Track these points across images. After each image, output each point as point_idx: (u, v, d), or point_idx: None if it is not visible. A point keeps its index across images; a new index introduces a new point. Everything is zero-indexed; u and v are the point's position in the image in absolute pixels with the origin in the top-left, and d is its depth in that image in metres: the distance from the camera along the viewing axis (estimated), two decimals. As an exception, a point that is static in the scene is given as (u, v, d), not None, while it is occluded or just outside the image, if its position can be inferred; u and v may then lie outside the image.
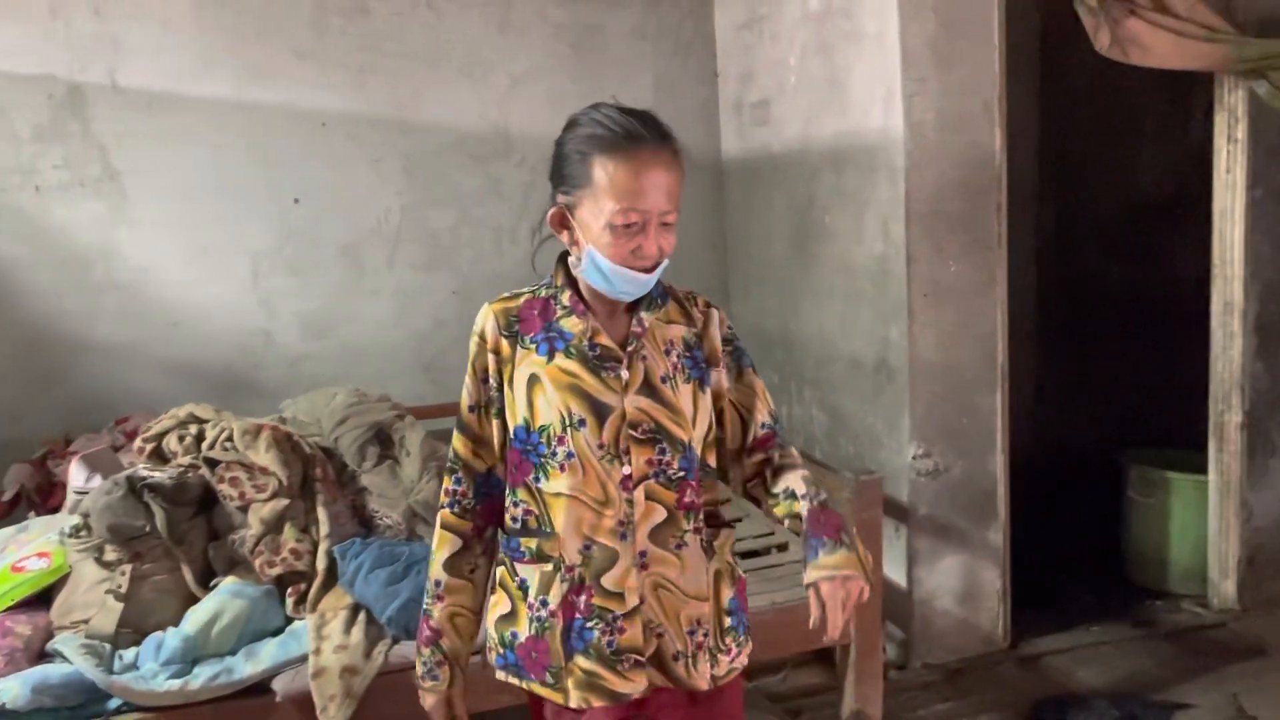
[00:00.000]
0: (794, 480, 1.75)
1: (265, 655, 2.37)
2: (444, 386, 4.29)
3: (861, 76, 3.38)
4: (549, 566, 1.69)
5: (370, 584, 2.49)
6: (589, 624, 1.68)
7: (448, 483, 1.77)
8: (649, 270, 1.62)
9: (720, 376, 1.77)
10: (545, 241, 1.75)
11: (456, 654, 1.80)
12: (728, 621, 1.76)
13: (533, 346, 1.68)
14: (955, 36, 3.18)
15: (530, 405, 1.66)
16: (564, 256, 1.73)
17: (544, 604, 1.69)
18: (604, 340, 1.67)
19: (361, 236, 4.15)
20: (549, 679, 1.70)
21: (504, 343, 1.69)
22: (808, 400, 4.00)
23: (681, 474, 1.69)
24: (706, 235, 4.61)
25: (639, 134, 1.58)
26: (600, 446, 1.67)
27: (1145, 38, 3.15)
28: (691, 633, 1.71)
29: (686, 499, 1.70)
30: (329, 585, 2.55)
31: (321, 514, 2.63)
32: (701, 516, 1.73)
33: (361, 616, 2.47)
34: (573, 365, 1.66)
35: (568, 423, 1.65)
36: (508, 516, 1.74)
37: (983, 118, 3.24)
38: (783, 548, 3.33)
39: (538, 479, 1.68)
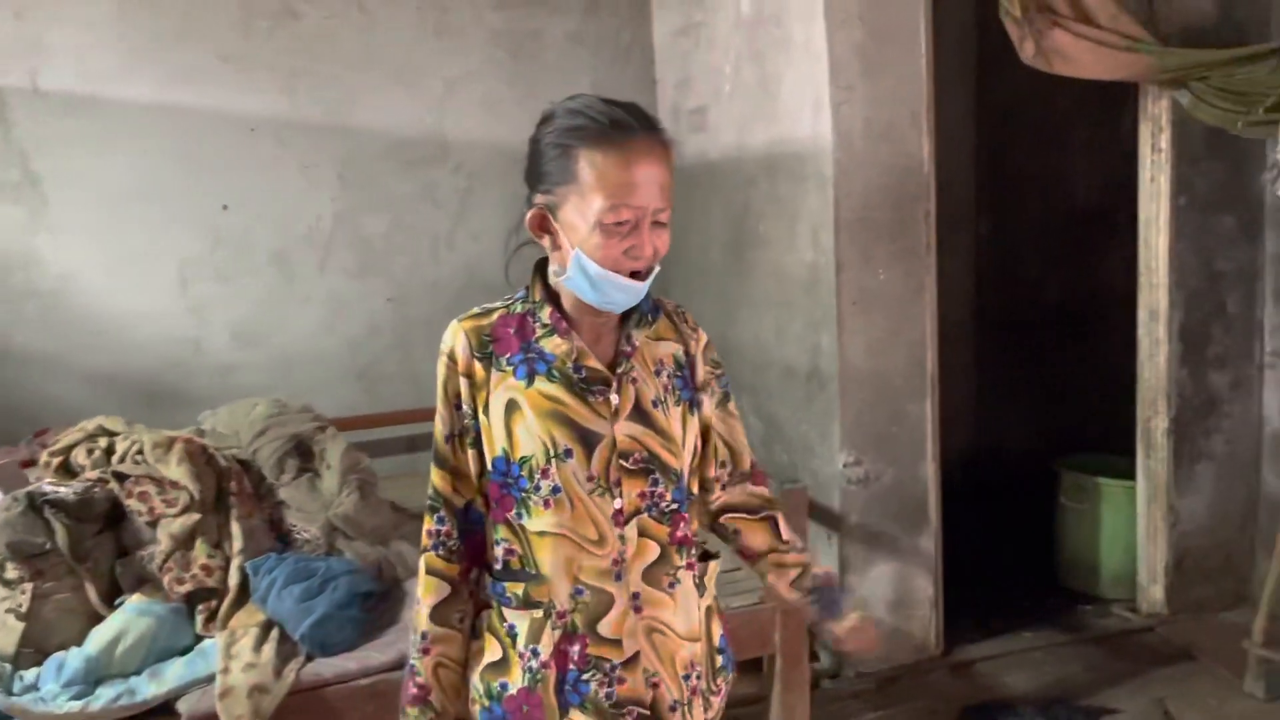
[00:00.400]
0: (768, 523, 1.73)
1: (171, 675, 2.31)
2: (377, 395, 4.23)
3: (791, 84, 3.38)
4: (539, 613, 1.53)
5: (284, 600, 2.43)
6: (584, 676, 1.54)
7: (429, 523, 1.57)
8: (642, 276, 1.48)
9: (708, 402, 1.66)
10: (521, 248, 1.61)
11: (446, 711, 1.59)
12: (719, 660, 1.66)
13: (510, 369, 1.52)
14: (883, 45, 3.19)
15: (509, 434, 1.51)
16: (540, 266, 1.58)
17: (535, 654, 1.54)
18: (590, 362, 1.53)
19: (293, 243, 4.09)
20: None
21: (477, 365, 1.52)
22: (745, 407, 3.99)
23: (675, 506, 1.57)
24: (646, 242, 4.57)
25: (627, 123, 1.44)
26: (589, 479, 1.52)
27: (1069, 48, 3.18)
28: (686, 677, 1.59)
29: (680, 533, 1.57)
30: (241, 602, 2.49)
31: (235, 529, 2.57)
32: (694, 551, 1.62)
33: (274, 634, 2.41)
34: (556, 390, 1.51)
35: (552, 454, 1.50)
36: (490, 556, 1.58)
37: (910, 127, 3.24)
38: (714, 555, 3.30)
39: (520, 515, 1.53)
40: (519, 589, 1.54)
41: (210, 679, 2.30)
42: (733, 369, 4.10)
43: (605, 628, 1.53)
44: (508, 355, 1.53)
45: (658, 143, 1.46)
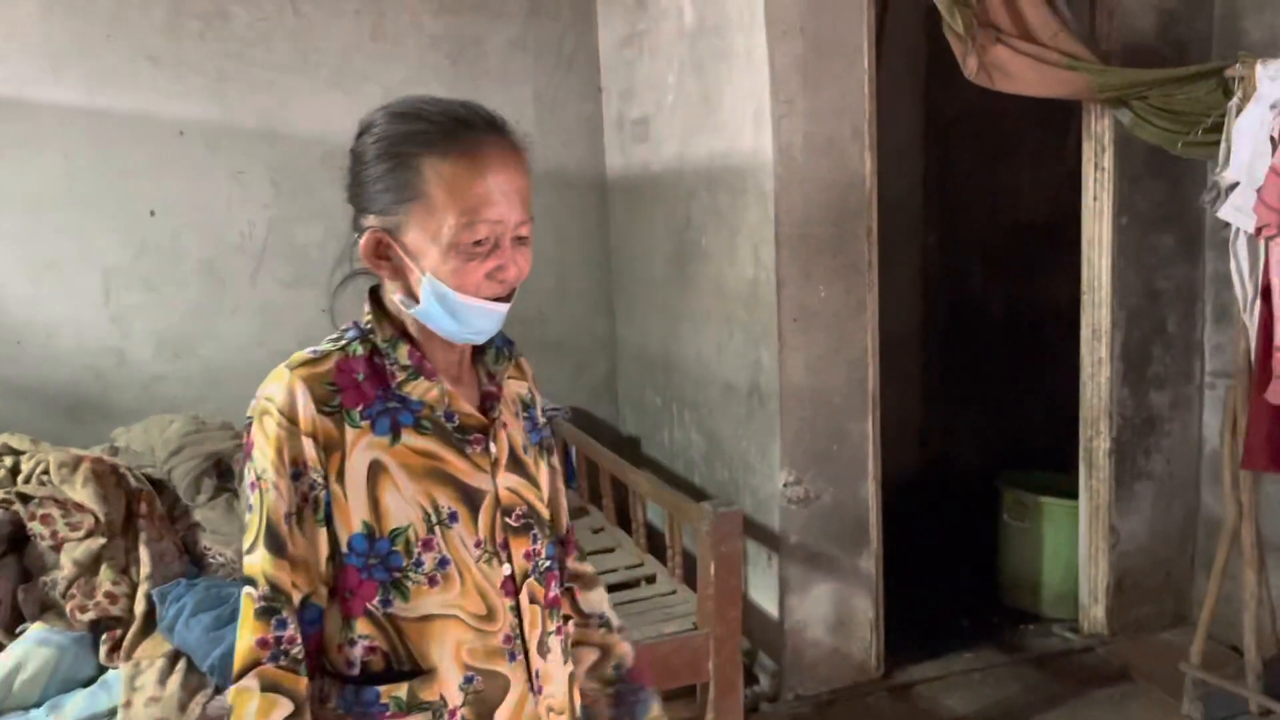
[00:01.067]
0: (604, 603, 1.57)
1: (71, 708, 2.19)
2: (313, 408, 4.11)
3: (733, 96, 3.33)
4: (427, 716, 1.26)
5: (192, 629, 2.32)
6: None
7: (260, 629, 1.21)
8: (506, 299, 1.28)
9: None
10: (349, 280, 1.38)
11: None
12: None
13: (366, 424, 1.26)
14: (824, 58, 3.14)
15: (374, 504, 1.25)
16: (375, 294, 1.35)
17: None
18: (463, 407, 1.32)
19: (223, 251, 3.97)
20: None
21: (325, 423, 1.24)
22: (687, 424, 3.93)
23: (548, 563, 1.40)
24: (592, 253, 4.51)
25: (473, 123, 1.24)
26: (476, 545, 1.31)
27: (1010, 65, 3.15)
28: None
29: (552, 593, 1.40)
30: (148, 631, 2.38)
31: (144, 553, 2.46)
32: (562, 613, 1.46)
33: (181, 665, 2.30)
34: (429, 444, 1.29)
35: (434, 520, 1.27)
36: (338, 659, 1.27)
37: (852, 141, 3.20)
38: (651, 579, 3.24)
39: (387, 602, 1.25)
40: (400, 691, 1.25)
41: (111, 713, 2.20)
42: (675, 385, 4.07)
43: (503, 717, 1.32)
44: (360, 407, 1.26)
45: (511, 146, 1.26)
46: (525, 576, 1.34)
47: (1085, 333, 3.60)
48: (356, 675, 1.26)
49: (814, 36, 3.12)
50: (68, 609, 2.34)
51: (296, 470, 1.22)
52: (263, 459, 1.23)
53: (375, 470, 1.25)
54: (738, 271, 3.42)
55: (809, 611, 3.36)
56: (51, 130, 3.71)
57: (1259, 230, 2.72)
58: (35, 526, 2.40)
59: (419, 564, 1.25)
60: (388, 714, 1.24)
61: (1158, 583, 3.71)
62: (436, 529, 1.26)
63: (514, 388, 1.43)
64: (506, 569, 1.32)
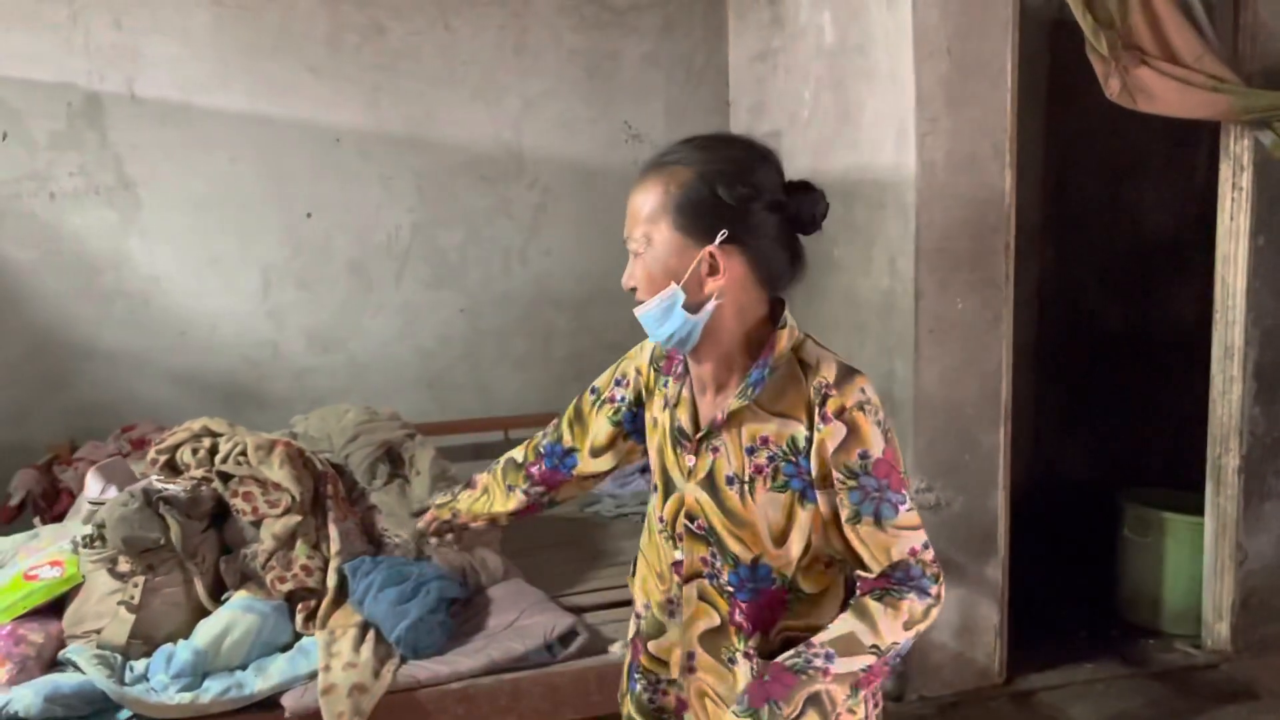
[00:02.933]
0: (841, 625, 1.46)
1: (275, 671, 2.38)
2: (446, 404, 4.31)
3: (874, 113, 3.43)
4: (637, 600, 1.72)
5: (379, 602, 2.50)
6: (637, 675, 1.68)
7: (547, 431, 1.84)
8: (640, 304, 1.48)
9: (830, 502, 1.46)
10: None
11: (459, 513, 1.93)
12: None
13: (662, 392, 1.61)
14: (968, 77, 3.24)
15: (651, 446, 1.65)
16: None
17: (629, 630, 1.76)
18: (684, 416, 1.54)
19: (370, 252, 4.18)
20: (620, 700, 1.76)
21: (650, 371, 1.65)
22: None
23: (730, 589, 1.50)
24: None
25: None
26: (660, 520, 1.58)
27: (1154, 86, 3.21)
28: None
29: (737, 618, 1.51)
30: (339, 602, 2.56)
31: (332, 531, 2.65)
32: (757, 641, 1.50)
33: (370, 635, 2.48)
34: (666, 428, 1.58)
35: (651, 480, 1.63)
36: None
37: (993, 159, 3.29)
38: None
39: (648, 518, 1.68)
40: (631, 580, 1.74)
41: (311, 676, 2.37)
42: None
43: (656, 648, 1.63)
44: (665, 376, 1.62)
45: (649, 173, 1.48)
46: (696, 574, 1.53)
47: (1217, 351, 3.63)
48: None
49: (959, 57, 3.21)
50: (267, 580, 2.53)
51: (620, 378, 1.72)
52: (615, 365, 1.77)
53: (653, 423, 1.64)
54: (872, 282, 3.52)
55: (936, 616, 3.43)
56: (218, 134, 3.95)
57: None
58: (238, 503, 2.60)
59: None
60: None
61: (1284, 602, 3.72)
62: (650, 486, 1.64)
63: (771, 427, 1.46)
64: (678, 555, 1.55)
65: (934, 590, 1.48)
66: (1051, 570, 4.30)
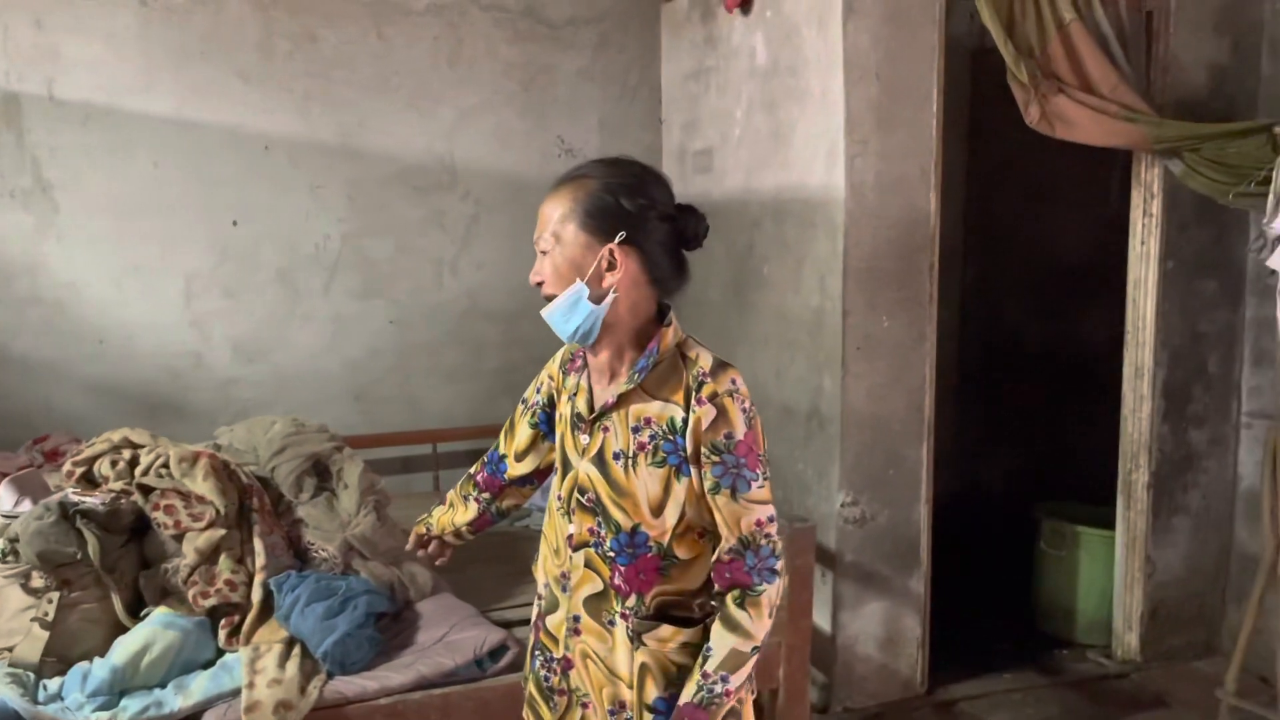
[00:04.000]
0: (719, 646, 1.63)
1: (196, 688, 2.33)
2: (374, 417, 4.27)
3: (805, 134, 3.50)
4: (540, 585, 1.86)
5: (306, 617, 2.47)
6: (535, 652, 1.85)
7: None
8: (549, 301, 1.68)
9: (700, 477, 1.64)
10: None
11: (432, 528, 2.09)
12: (648, 718, 1.69)
13: (568, 388, 1.81)
14: (896, 101, 3.32)
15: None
16: None
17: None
18: (581, 403, 1.74)
19: (299, 262, 4.12)
20: (523, 681, 1.92)
21: (560, 374, 1.86)
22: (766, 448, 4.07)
23: (612, 554, 1.69)
24: (644, 277, 4.66)
25: None
26: (559, 498, 1.77)
27: (1071, 114, 3.33)
28: (613, 713, 1.72)
29: (615, 581, 1.69)
30: (264, 618, 2.51)
31: (258, 545, 2.60)
32: (633, 603, 1.67)
33: (296, 650, 2.44)
34: (567, 416, 1.78)
35: (544, 463, 1.91)
36: None
37: (919, 181, 3.37)
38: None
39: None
40: (535, 565, 1.90)
41: (234, 693, 2.33)
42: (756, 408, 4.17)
43: (550, 623, 1.80)
44: (568, 378, 1.82)
45: (559, 185, 1.69)
46: (584, 544, 1.71)
47: (1128, 370, 3.76)
48: None
49: (888, 81, 3.30)
50: (190, 595, 2.48)
51: (539, 384, 1.92)
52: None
53: (560, 417, 1.82)
54: (802, 300, 3.58)
55: (860, 628, 3.50)
56: (142, 139, 3.87)
57: (1310, 280, 2.89)
58: (159, 516, 2.53)
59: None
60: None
61: (1190, 613, 3.86)
62: (554, 471, 1.83)
63: (654, 408, 1.66)
64: (570, 529, 1.73)
65: (779, 566, 1.67)
66: (971, 583, 4.40)
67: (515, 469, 1.97)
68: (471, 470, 2.08)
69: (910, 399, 3.47)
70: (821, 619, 3.51)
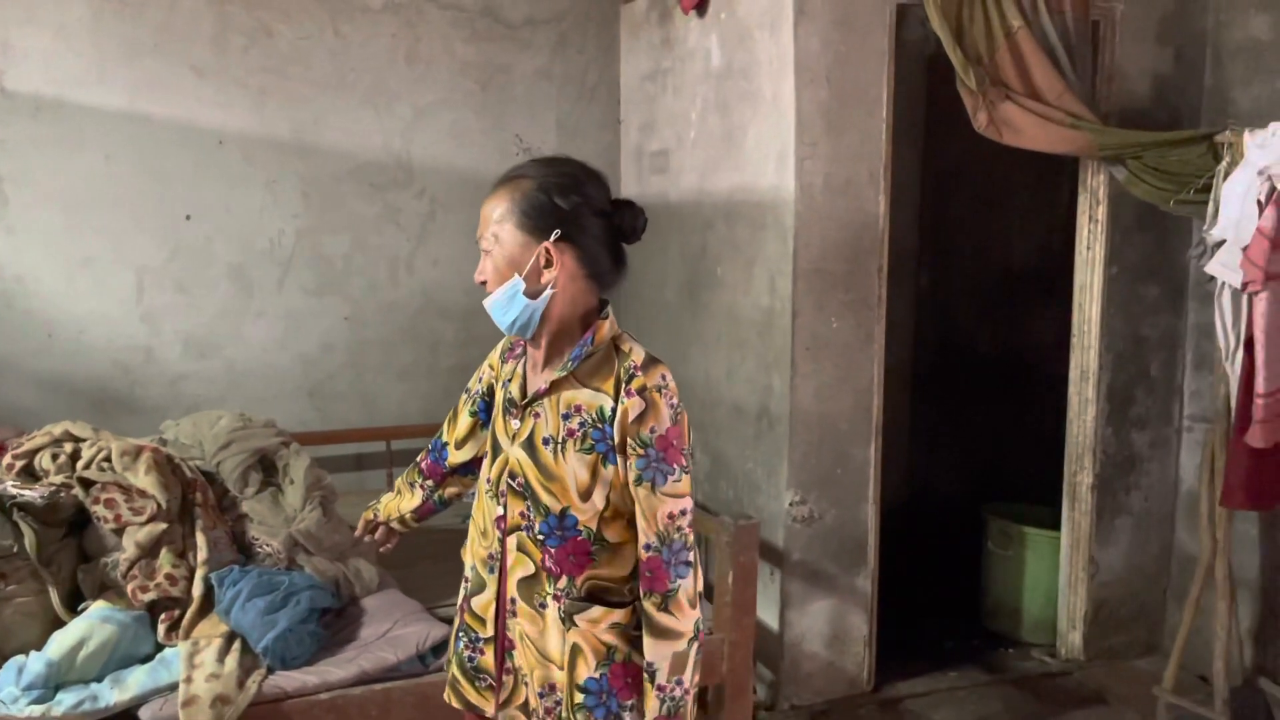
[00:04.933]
0: (660, 657, 1.69)
1: (133, 683, 2.32)
2: (328, 414, 4.25)
3: (756, 136, 3.53)
4: (467, 569, 1.92)
5: (247, 612, 2.46)
6: (459, 634, 1.90)
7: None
8: (489, 295, 1.74)
9: (625, 468, 1.70)
10: None
11: (379, 513, 2.16)
12: (579, 698, 1.74)
13: (506, 375, 1.86)
14: (846, 105, 3.36)
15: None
16: None
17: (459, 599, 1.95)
18: (515, 388, 1.79)
19: (252, 257, 4.10)
20: (445, 664, 1.99)
21: (499, 362, 1.92)
22: (693, 444, 4.10)
23: (541, 537, 1.73)
24: (601, 276, 4.68)
25: None
26: (488, 481, 1.82)
27: (1018, 121, 3.38)
28: (543, 695, 1.77)
29: (547, 563, 1.74)
30: (204, 612, 2.51)
31: (200, 539, 2.59)
32: (564, 584, 1.72)
33: (236, 645, 2.44)
34: (500, 402, 1.84)
35: (486, 450, 1.90)
36: None
37: (869, 184, 3.41)
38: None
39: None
40: (463, 549, 1.95)
41: (172, 688, 2.32)
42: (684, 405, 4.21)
43: (476, 604, 1.84)
44: (506, 365, 1.88)
45: (498, 185, 1.75)
46: (516, 528, 1.76)
47: (1074, 374, 3.82)
48: None
49: (839, 85, 3.33)
50: (129, 589, 2.47)
51: (480, 375, 1.99)
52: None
53: (496, 404, 1.86)
54: (753, 300, 3.61)
55: (807, 626, 3.54)
56: (93, 132, 3.83)
57: (1245, 285, 2.95)
58: (99, 510, 2.52)
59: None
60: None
61: (1132, 612, 3.93)
62: (484, 456, 1.88)
63: (584, 396, 1.71)
64: (499, 511, 1.77)
65: (691, 557, 1.72)
66: (919, 582, 4.46)
67: (455, 456, 2.05)
68: (418, 458, 2.14)
69: (858, 399, 3.51)
70: (769, 617, 3.54)
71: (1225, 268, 3.08)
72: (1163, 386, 3.84)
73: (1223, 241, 3.10)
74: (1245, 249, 2.97)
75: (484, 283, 1.74)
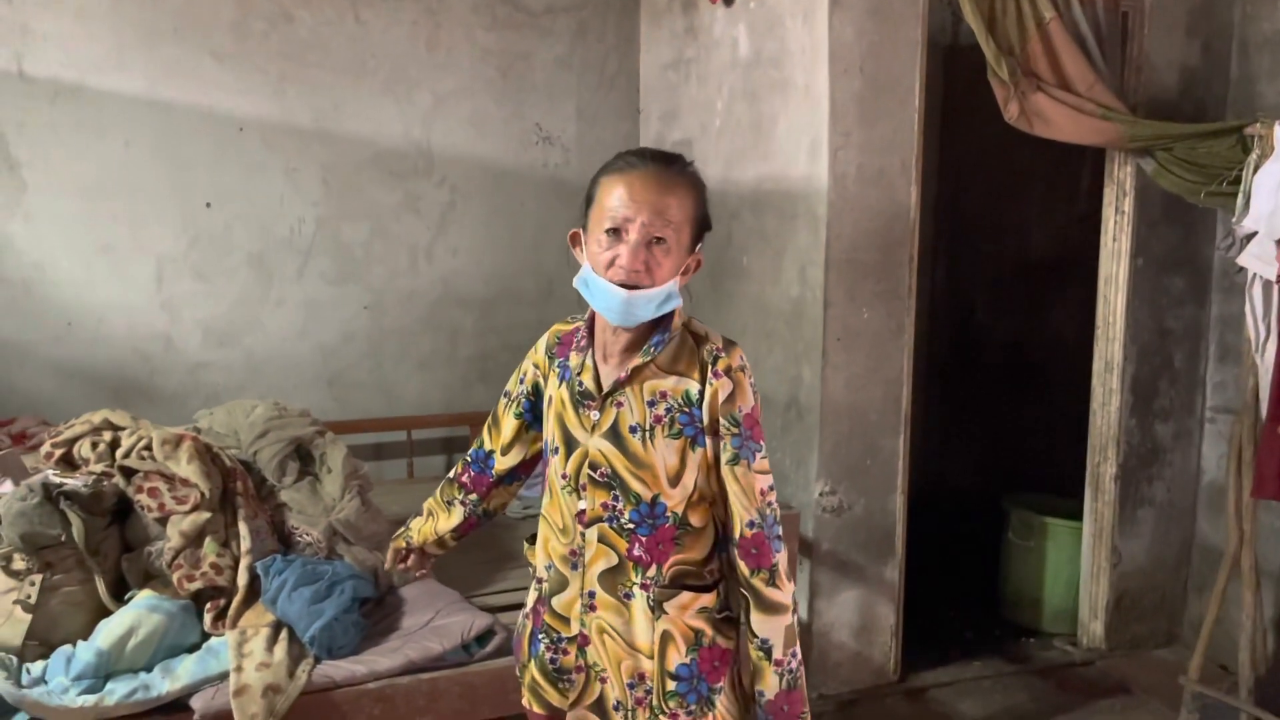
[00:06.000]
0: (774, 633, 1.70)
1: (183, 672, 2.29)
2: (347, 403, 4.23)
3: (787, 126, 3.52)
4: (531, 571, 1.88)
5: (294, 602, 2.44)
6: (540, 636, 1.83)
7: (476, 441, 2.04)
8: (630, 287, 1.63)
9: (717, 448, 1.70)
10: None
11: (413, 539, 2.09)
12: (671, 685, 1.72)
13: (557, 370, 1.81)
14: (880, 95, 3.35)
15: (546, 423, 1.82)
16: None
17: (525, 604, 1.90)
18: (588, 379, 1.74)
19: (272, 245, 4.07)
20: (518, 672, 1.91)
21: (545, 359, 1.85)
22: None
23: (631, 525, 1.71)
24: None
25: (638, 156, 1.69)
26: (564, 477, 1.76)
27: (1049, 112, 3.38)
28: (632, 686, 1.74)
29: (635, 552, 1.72)
30: (250, 601, 2.49)
31: (243, 529, 2.57)
32: (654, 573, 1.72)
33: (284, 634, 2.42)
34: (565, 396, 1.77)
35: (549, 447, 1.80)
36: None
37: (900, 174, 3.41)
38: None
39: (542, 492, 1.85)
40: (529, 550, 1.90)
41: (221, 677, 2.30)
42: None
43: (558, 604, 1.79)
44: (560, 359, 1.82)
45: (666, 170, 1.67)
46: (597, 519, 1.73)
47: (1098, 365, 3.84)
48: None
49: (872, 75, 3.33)
50: (174, 578, 2.44)
51: (522, 375, 1.92)
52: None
53: (549, 401, 1.81)
54: (782, 290, 3.61)
55: (836, 616, 3.54)
56: (113, 118, 3.79)
57: (1279, 277, 2.97)
58: (142, 499, 2.49)
59: (546, 473, 1.82)
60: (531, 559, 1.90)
61: (1154, 602, 3.95)
62: (548, 453, 1.80)
63: (669, 383, 1.71)
64: (581, 505, 1.74)
65: (781, 531, 1.75)
66: (940, 572, 4.47)
67: (502, 463, 1.99)
68: (451, 475, 2.06)
69: (888, 390, 3.51)
70: (799, 607, 3.54)
71: (1258, 259, 3.10)
72: (1186, 378, 3.86)
73: (1254, 234, 3.12)
74: (1279, 241, 2.98)
75: (637, 271, 1.63)
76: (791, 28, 3.46)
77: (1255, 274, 3.13)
